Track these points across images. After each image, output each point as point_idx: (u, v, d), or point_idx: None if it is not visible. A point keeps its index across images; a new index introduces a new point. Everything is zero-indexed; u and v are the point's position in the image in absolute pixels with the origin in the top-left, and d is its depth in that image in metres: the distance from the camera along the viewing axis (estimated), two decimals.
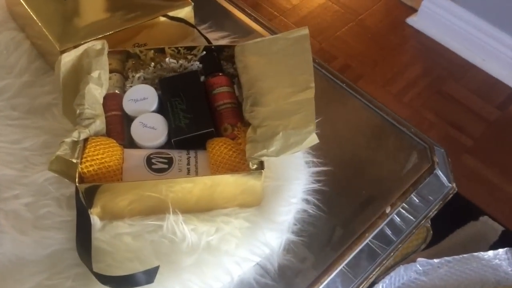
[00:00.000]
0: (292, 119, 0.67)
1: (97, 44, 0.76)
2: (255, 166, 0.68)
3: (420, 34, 1.90)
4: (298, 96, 0.70)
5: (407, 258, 1.06)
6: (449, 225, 1.48)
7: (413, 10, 1.97)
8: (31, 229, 0.69)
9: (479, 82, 1.77)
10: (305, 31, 0.76)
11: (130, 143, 0.74)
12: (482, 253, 1.28)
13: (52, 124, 0.80)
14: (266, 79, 0.74)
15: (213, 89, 0.77)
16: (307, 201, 0.76)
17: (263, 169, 0.68)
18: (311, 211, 0.75)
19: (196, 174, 0.70)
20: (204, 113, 0.74)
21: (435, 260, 1.32)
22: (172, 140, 0.72)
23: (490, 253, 1.27)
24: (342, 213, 0.78)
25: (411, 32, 1.92)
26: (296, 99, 0.70)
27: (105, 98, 0.75)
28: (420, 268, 1.31)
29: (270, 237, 0.72)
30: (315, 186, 0.77)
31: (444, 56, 1.84)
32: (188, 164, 0.70)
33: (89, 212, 0.69)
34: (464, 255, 1.30)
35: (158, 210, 0.71)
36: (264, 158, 0.66)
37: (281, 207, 0.74)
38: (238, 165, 0.69)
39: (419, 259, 1.27)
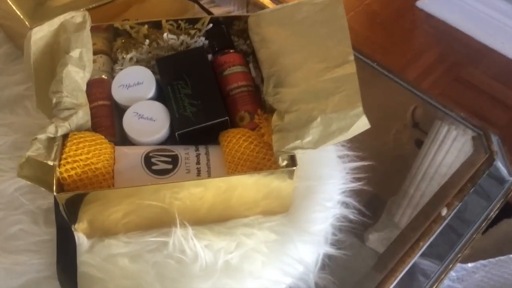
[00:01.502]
0: (331, 101, 0.53)
1: (76, 16, 0.61)
2: (285, 163, 0.53)
3: (432, 18, 1.77)
4: (334, 72, 0.55)
5: None
6: None
7: None
8: None
9: (500, 67, 1.64)
10: None
11: (122, 139, 0.59)
12: None
13: (24, 120, 0.66)
14: (291, 54, 0.59)
15: (224, 70, 0.62)
16: (345, 205, 0.61)
17: (295, 166, 0.53)
18: (351, 217, 0.60)
19: (209, 175, 0.55)
20: (215, 98, 0.59)
21: (470, 265, 1.18)
22: (176, 134, 0.57)
23: None
24: (389, 217, 0.64)
25: (422, 16, 1.78)
26: (332, 76, 0.55)
27: (89, 85, 0.61)
28: (454, 274, 1.17)
29: (304, 251, 0.58)
30: (354, 185, 0.62)
31: (460, 41, 1.71)
32: (198, 163, 0.55)
33: (73, 229, 0.54)
34: (501, 257, 1.16)
35: (161, 222, 0.56)
36: (298, 151, 0.51)
37: (315, 214, 0.59)
38: (263, 162, 0.54)
39: None
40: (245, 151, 0.55)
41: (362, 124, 0.50)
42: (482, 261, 1.16)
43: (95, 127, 0.59)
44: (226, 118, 0.58)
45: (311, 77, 0.56)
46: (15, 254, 0.55)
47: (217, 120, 0.57)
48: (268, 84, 0.58)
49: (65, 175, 0.51)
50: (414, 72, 1.62)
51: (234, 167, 0.55)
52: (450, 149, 0.72)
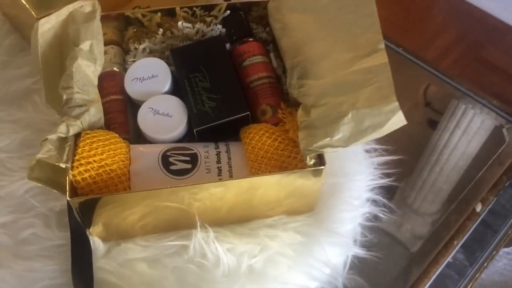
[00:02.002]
0: (362, 94, 0.49)
1: (85, 5, 0.57)
2: (312, 161, 0.49)
3: None
4: (363, 62, 0.51)
5: None
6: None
7: None
8: (10, 259, 0.53)
9: None
10: None
11: (137, 135, 0.56)
12: None
13: (34, 116, 0.62)
14: (315, 42, 0.55)
15: (243, 60, 0.58)
16: (374, 203, 0.58)
17: (324, 165, 0.49)
18: (381, 215, 0.57)
19: (230, 175, 0.52)
20: (235, 92, 0.55)
21: None
22: (195, 130, 0.54)
23: None
24: (421, 215, 0.60)
25: None
26: (362, 67, 0.51)
27: (100, 78, 0.57)
28: None
29: (332, 253, 0.55)
30: (383, 181, 0.59)
31: (479, 19, 1.64)
32: (219, 161, 0.52)
33: (87, 233, 0.51)
34: None
35: (180, 224, 0.54)
36: (327, 150, 0.47)
37: (342, 213, 0.56)
38: (288, 161, 0.51)
39: None
40: (269, 149, 0.51)
41: (398, 120, 0.46)
42: (505, 249, 1.12)
43: (108, 123, 0.56)
44: (248, 112, 0.54)
45: (339, 67, 0.52)
46: (27, 260, 0.53)
47: (238, 116, 0.54)
48: (292, 75, 0.54)
49: (78, 178, 0.48)
50: (433, 53, 1.57)
51: (258, 166, 0.51)
52: (467, 129, 0.68)
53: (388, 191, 0.58)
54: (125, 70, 0.59)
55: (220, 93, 0.55)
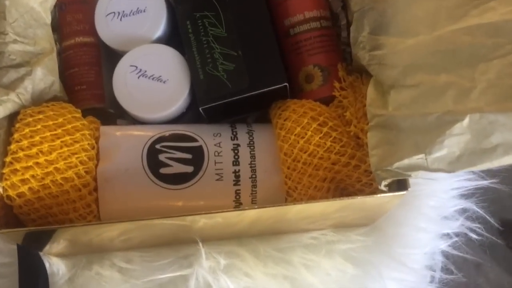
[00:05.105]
0: (485, 73, 0.28)
1: None
2: (387, 182, 0.30)
3: None
4: (485, 10, 0.30)
5: None
6: None
7: None
8: None
9: None
10: None
11: (117, 104, 0.37)
12: None
13: None
14: None
15: None
16: (467, 217, 0.39)
17: (406, 190, 0.30)
18: (473, 236, 0.39)
19: (254, 185, 0.33)
20: (267, 46, 0.35)
21: None
22: (201, 108, 0.34)
23: None
24: None
25: None
26: (483, 21, 0.29)
27: (59, 7, 0.37)
28: None
29: None
30: (479, 183, 0.39)
31: None
32: (236, 162, 0.33)
33: (40, 255, 0.35)
34: None
35: (178, 238, 0.37)
36: (417, 174, 0.28)
37: (416, 233, 0.38)
38: (345, 171, 0.32)
39: None
40: (316, 151, 0.32)
41: None
42: None
43: (72, 83, 0.37)
44: (286, 84, 0.34)
45: (441, 19, 0.31)
46: None
47: (270, 88, 0.34)
48: (361, 26, 0.33)
49: (11, 193, 0.30)
50: None
51: (297, 177, 0.32)
52: None
53: (487, 198, 0.39)
54: None
55: (242, 48, 0.34)
